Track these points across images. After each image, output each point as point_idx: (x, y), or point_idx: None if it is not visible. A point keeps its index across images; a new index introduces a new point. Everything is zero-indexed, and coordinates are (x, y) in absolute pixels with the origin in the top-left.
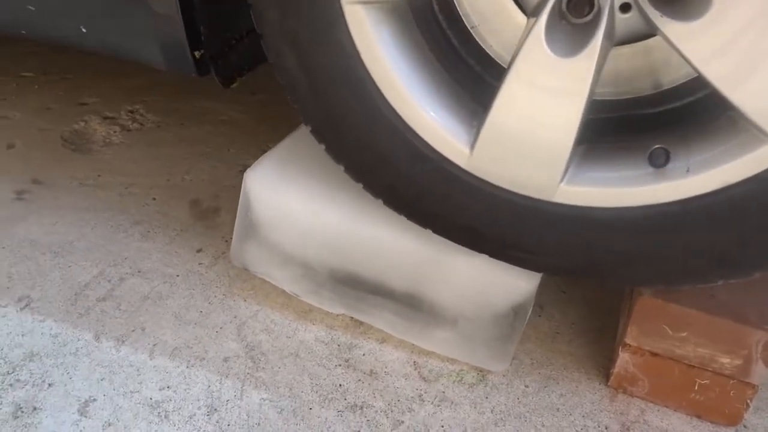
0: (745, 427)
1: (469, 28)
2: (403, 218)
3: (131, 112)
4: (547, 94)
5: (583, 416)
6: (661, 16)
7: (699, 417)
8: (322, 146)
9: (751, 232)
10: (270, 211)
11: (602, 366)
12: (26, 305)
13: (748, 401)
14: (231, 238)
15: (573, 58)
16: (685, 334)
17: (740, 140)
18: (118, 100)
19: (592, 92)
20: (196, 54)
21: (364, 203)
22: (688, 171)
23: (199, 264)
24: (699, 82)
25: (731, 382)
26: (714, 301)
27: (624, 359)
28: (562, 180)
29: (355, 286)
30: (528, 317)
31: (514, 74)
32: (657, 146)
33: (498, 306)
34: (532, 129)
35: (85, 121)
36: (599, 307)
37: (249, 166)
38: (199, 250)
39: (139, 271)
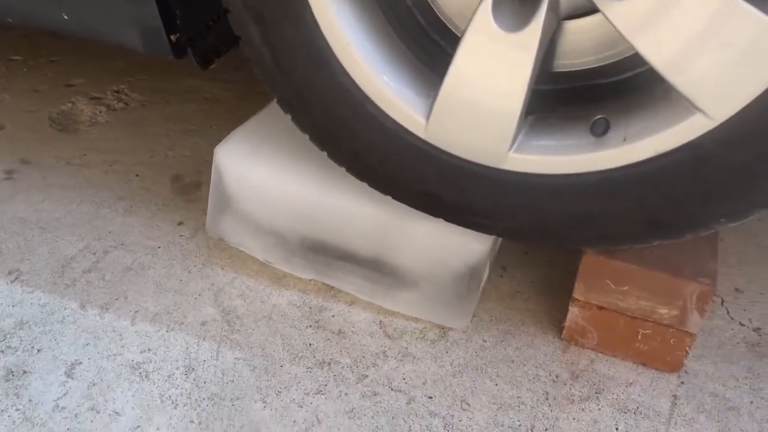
0: (686, 373)
1: (429, 2)
2: (365, 187)
3: (117, 92)
4: (494, 66)
5: (536, 366)
6: None
7: (644, 364)
8: (289, 116)
9: (683, 197)
10: (241, 184)
11: (557, 321)
12: (16, 278)
13: (687, 349)
14: None
15: (519, 33)
16: (626, 288)
17: (673, 111)
18: (105, 80)
19: (537, 64)
20: (173, 37)
21: (330, 174)
22: (624, 140)
23: (180, 236)
24: (639, 57)
25: (671, 331)
26: (652, 256)
27: (574, 313)
28: (510, 148)
29: (324, 252)
30: (485, 277)
31: (465, 47)
32: (599, 116)
33: (455, 267)
34: (482, 99)
35: (72, 102)
36: (560, 267)
37: None
38: (180, 223)
39: (122, 244)
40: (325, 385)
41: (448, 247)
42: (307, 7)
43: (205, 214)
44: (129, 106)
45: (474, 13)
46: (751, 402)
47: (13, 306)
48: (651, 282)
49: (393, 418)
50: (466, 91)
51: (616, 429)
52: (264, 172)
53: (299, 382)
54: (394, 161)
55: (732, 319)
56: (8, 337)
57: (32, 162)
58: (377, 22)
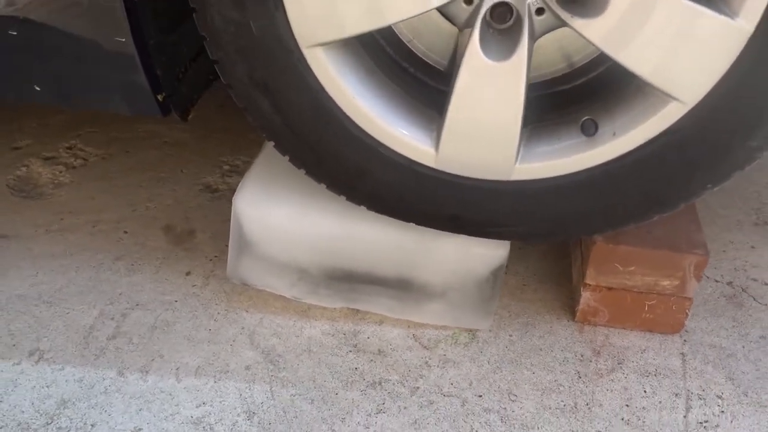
0: (686, 331)
1: (405, 42)
2: None
3: (69, 148)
4: (492, 95)
5: (562, 350)
6: (572, 17)
7: (651, 331)
8: (302, 171)
9: (674, 172)
10: (261, 228)
11: (567, 305)
12: (39, 358)
13: (687, 311)
14: (215, 257)
15: (507, 61)
16: (633, 268)
17: (650, 102)
18: (52, 138)
19: (527, 83)
20: (159, 97)
21: (347, 205)
22: (614, 134)
23: (193, 286)
24: (602, 58)
25: (672, 298)
26: (651, 238)
27: (586, 297)
28: (516, 161)
29: (350, 280)
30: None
31: (461, 83)
32: (585, 118)
33: (479, 274)
34: (484, 125)
35: (26, 165)
36: (554, 256)
37: (206, 183)
38: (188, 273)
39: (137, 304)
40: (383, 404)
41: (472, 256)
42: (310, 73)
43: (210, 260)
44: (88, 161)
45: (464, 48)
46: (743, 347)
47: (48, 387)
48: (654, 260)
49: (454, 421)
50: (468, 119)
51: (645, 391)
52: (283, 213)
53: (358, 406)
54: (412, 194)
55: (707, 277)
56: (55, 418)
57: (9, 235)
58: (371, 72)
